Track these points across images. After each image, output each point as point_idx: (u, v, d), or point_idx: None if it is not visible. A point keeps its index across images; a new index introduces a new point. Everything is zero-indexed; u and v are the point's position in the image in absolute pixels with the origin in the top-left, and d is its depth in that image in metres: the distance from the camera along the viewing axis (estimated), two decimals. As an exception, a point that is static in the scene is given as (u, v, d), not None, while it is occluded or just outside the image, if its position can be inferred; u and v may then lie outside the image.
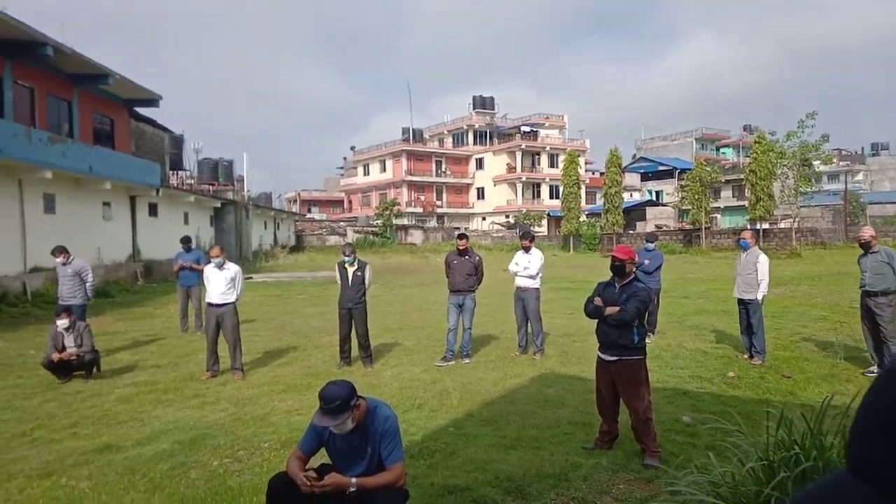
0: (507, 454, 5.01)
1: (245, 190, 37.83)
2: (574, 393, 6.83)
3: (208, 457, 5.08)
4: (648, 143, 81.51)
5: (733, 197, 54.78)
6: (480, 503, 4.14)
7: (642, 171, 69.41)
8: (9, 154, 14.55)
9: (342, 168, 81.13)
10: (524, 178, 61.74)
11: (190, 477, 4.68)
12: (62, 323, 7.86)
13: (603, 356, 5.12)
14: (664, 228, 43.62)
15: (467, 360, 8.60)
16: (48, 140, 16.16)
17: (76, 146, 17.87)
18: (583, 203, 46.16)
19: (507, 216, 58.93)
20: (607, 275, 5.40)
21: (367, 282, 8.52)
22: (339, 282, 8.53)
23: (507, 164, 62.98)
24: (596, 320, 5.16)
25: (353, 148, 73.07)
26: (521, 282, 8.98)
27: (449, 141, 68.56)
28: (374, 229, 47.54)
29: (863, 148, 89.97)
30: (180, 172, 32.00)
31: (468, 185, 65.99)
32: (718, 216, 53.13)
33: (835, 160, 57.54)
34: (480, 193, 65.36)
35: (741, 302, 8.40)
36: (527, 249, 9.02)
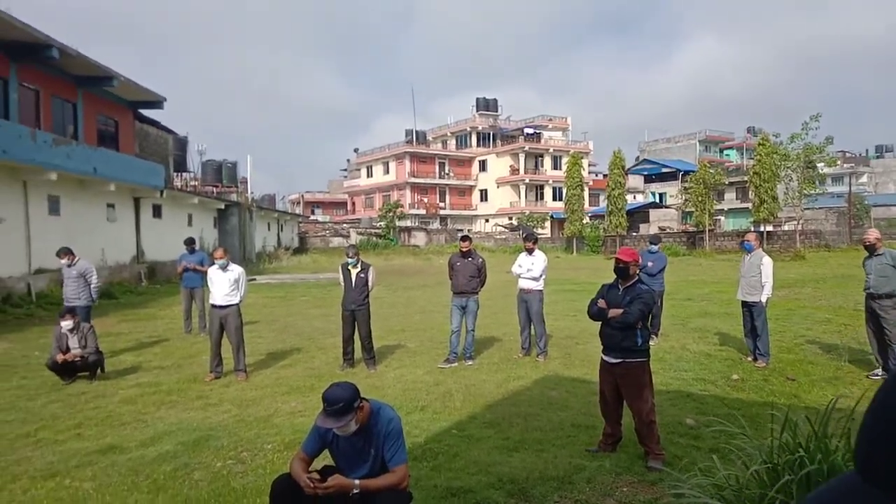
0: (511, 456, 5.00)
1: (249, 192, 37.91)
2: (577, 395, 6.82)
3: (212, 458, 5.09)
4: (652, 146, 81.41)
5: (737, 199, 54.67)
6: (483, 505, 4.13)
7: (646, 173, 69.36)
8: (14, 155, 14.61)
9: (346, 170, 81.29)
10: (527, 180, 61.72)
11: (193, 478, 4.68)
12: (66, 324, 7.87)
13: (606, 358, 5.11)
14: (667, 230, 43.56)
15: (470, 363, 8.60)
16: (53, 142, 16.22)
17: (81, 148, 17.93)
18: (586, 205, 46.09)
19: (511, 218, 58.90)
20: (610, 277, 5.39)
21: (370, 284, 8.53)
22: (343, 283, 8.53)
23: (511, 166, 62.97)
24: (599, 322, 5.16)
25: (356, 150, 73.26)
26: (524, 284, 8.97)
27: (452, 143, 68.59)
28: (377, 231, 47.59)
29: (867, 150, 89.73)
30: (184, 174, 32.09)
31: (471, 187, 65.99)
32: (722, 218, 53.04)
33: (839, 162, 57.32)
34: (483, 195, 65.37)
35: (745, 304, 8.38)
36: (530, 251, 9.01)
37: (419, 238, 48.15)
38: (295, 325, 12.66)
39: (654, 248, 10.25)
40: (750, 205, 36.86)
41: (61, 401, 6.99)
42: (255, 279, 21.96)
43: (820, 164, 34.66)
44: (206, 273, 9.06)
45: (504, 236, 50.43)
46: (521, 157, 62.14)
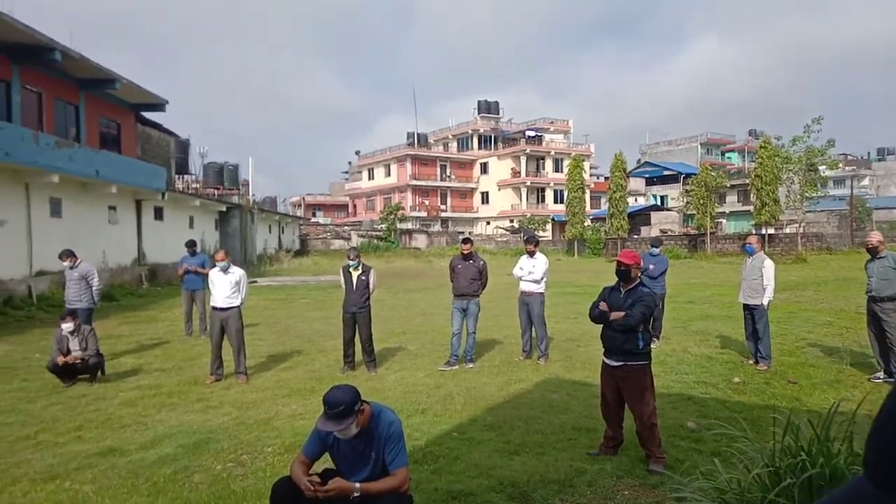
0: (512, 459, 4.99)
1: (250, 194, 37.96)
2: (578, 398, 6.81)
3: (212, 461, 5.08)
4: (653, 148, 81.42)
5: (738, 202, 54.66)
6: (484, 509, 4.12)
7: (647, 175, 69.36)
8: (16, 158, 14.64)
9: (347, 172, 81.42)
10: (528, 183, 61.75)
11: (193, 481, 4.67)
12: (67, 326, 7.88)
13: (608, 361, 5.10)
14: (669, 233, 43.51)
15: (471, 365, 8.58)
16: (55, 144, 16.26)
17: (83, 150, 17.96)
18: (587, 208, 46.07)
19: (512, 221, 58.95)
20: (612, 279, 5.39)
21: (371, 286, 8.52)
22: (344, 286, 8.53)
23: (512, 169, 63.02)
24: (601, 325, 5.15)
25: (358, 152, 73.41)
26: (525, 286, 8.96)
27: (454, 145, 68.68)
28: (378, 233, 47.63)
29: (869, 153, 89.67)
30: (186, 176, 32.16)
31: (472, 190, 66.04)
32: (723, 221, 53.01)
33: (840, 165, 57.27)
34: (485, 198, 65.41)
35: (746, 307, 8.37)
36: (531, 254, 9.01)
37: (420, 240, 48.17)
38: (296, 327, 12.65)
39: (656, 250, 10.24)
40: (751, 207, 36.80)
41: (62, 403, 6.99)
42: (256, 281, 21.97)
43: (822, 167, 34.63)
44: (207, 275, 9.06)
45: (505, 239, 50.43)
46: (523, 160, 62.19)
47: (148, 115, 25.80)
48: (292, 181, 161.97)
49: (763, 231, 34.64)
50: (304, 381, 7.83)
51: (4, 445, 5.58)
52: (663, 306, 10.29)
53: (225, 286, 8.01)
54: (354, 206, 71.46)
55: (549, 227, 55.79)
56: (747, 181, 40.51)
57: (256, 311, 14.78)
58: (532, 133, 65.70)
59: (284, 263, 34.78)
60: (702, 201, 37.13)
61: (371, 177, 68.09)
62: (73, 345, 7.86)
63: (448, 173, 64.65)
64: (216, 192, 34.03)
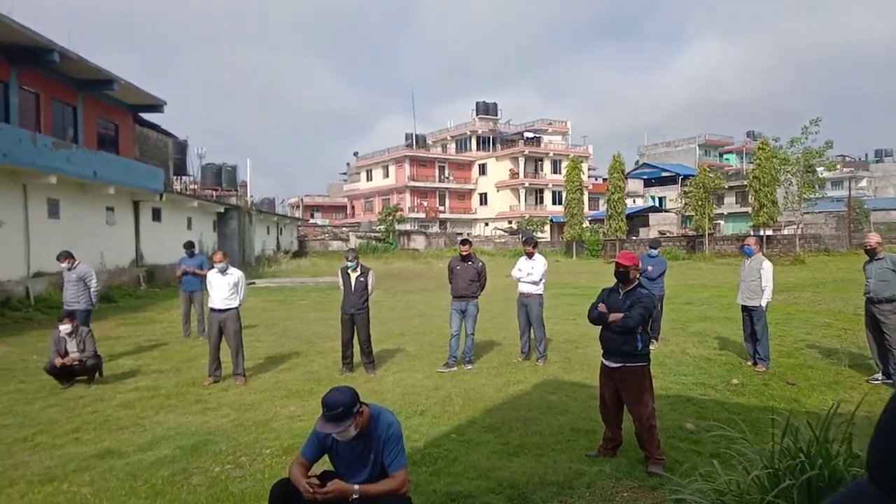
0: (510, 461, 4.99)
1: (248, 195, 37.92)
2: (577, 399, 6.81)
3: (210, 463, 5.07)
4: (651, 150, 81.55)
5: (737, 203, 54.75)
6: (483, 511, 4.11)
7: (645, 177, 69.46)
8: (14, 159, 14.61)
9: (345, 173, 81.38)
10: (527, 184, 61.79)
11: (191, 483, 4.66)
12: (64, 328, 7.86)
13: (607, 363, 5.10)
14: (667, 234, 43.57)
15: (470, 367, 8.58)
16: (53, 145, 16.23)
17: (81, 151, 17.94)
18: (586, 209, 46.12)
19: (510, 222, 58.97)
20: (610, 280, 5.39)
21: (369, 287, 8.52)
22: (342, 287, 8.52)
23: (510, 170, 63.07)
24: (599, 326, 5.15)
25: (356, 153, 73.41)
26: (524, 288, 8.96)
27: (452, 147, 68.70)
28: (376, 235, 47.59)
29: (867, 154, 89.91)
30: (184, 178, 32.10)
31: (471, 191, 66.06)
32: (722, 222, 53.07)
33: (838, 166, 57.38)
34: (483, 199, 65.44)
35: (745, 308, 8.38)
36: (530, 255, 9.01)
37: (419, 242, 48.15)
38: (294, 328, 12.64)
39: (654, 252, 10.25)
40: (749, 209, 36.88)
41: (59, 405, 6.97)
42: (254, 283, 21.95)
43: (819, 169, 34.69)
44: (205, 277, 9.05)
45: (503, 240, 50.45)
46: (521, 161, 62.23)
47: (146, 115, 25.77)
48: (290, 182, 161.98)
49: (761, 232, 34.70)
50: (302, 383, 7.82)
51: (2, 447, 5.56)
52: (662, 308, 10.29)
53: (223, 287, 8.00)
54: (353, 207, 71.45)
55: (547, 228, 55.83)
56: (745, 183, 40.61)
57: (255, 312, 14.76)
58: (530, 134, 65.77)
59: (283, 265, 34.75)
60: (700, 203, 37.18)
61: (369, 178, 68.09)
62: (71, 346, 7.85)
63: (446, 174, 64.67)
64: (214, 193, 33.99)
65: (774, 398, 6.77)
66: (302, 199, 72.99)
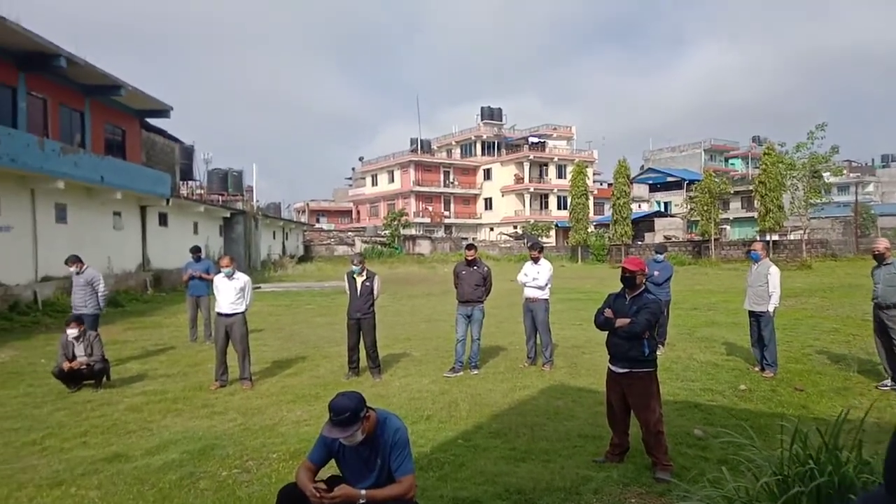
0: (517, 467, 4.97)
1: (254, 200, 38.06)
2: (584, 405, 6.79)
3: (217, 467, 5.07)
4: (657, 154, 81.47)
5: (742, 208, 54.56)
6: (490, 516, 4.10)
7: (651, 182, 69.39)
8: (22, 164, 14.71)
9: (350, 178, 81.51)
10: (532, 189, 61.78)
11: (199, 487, 4.67)
12: (72, 332, 7.89)
13: (613, 368, 5.09)
14: (673, 239, 43.47)
15: (476, 372, 8.57)
16: (61, 150, 16.33)
17: (88, 156, 18.05)
18: (591, 214, 46.10)
19: (515, 227, 58.94)
20: (616, 285, 5.38)
21: (375, 292, 8.52)
22: (348, 292, 8.53)
23: (515, 175, 63.07)
24: (606, 332, 5.14)
25: (361, 158, 73.53)
26: (529, 292, 8.95)
27: (457, 152, 68.79)
28: (382, 239, 47.67)
29: (873, 159, 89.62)
30: (190, 182, 32.27)
31: (476, 196, 66.11)
32: (727, 227, 52.91)
33: (845, 172, 57.25)
34: (488, 204, 65.46)
35: (752, 314, 8.34)
36: (535, 260, 9.00)
37: (424, 246, 48.19)
38: (300, 333, 12.66)
39: (660, 257, 10.23)
40: (755, 214, 36.78)
41: (67, 409, 6.99)
42: (260, 287, 22.00)
43: (826, 174, 34.60)
44: (211, 281, 9.08)
45: (509, 245, 50.44)
46: (526, 166, 62.25)
47: (153, 121, 25.93)
48: (296, 187, 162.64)
49: (767, 237, 34.58)
50: (308, 387, 7.82)
51: (10, 451, 5.58)
52: (668, 313, 10.27)
53: (230, 292, 8.02)
54: (358, 212, 71.58)
55: (552, 233, 55.80)
56: (751, 188, 40.47)
57: (261, 316, 14.79)
58: (535, 139, 65.79)
59: (288, 269, 34.82)
60: (705, 207, 37.11)
61: (375, 183, 68.22)
62: (79, 350, 7.88)
63: (451, 179, 64.73)
64: (220, 198, 34.12)
65: (783, 404, 6.73)
66: (308, 204, 73.17)
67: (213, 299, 8.53)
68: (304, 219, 65.20)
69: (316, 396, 7.27)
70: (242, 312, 8.08)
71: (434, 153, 67.98)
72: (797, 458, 3.40)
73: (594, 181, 63.72)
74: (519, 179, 62.50)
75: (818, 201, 33.80)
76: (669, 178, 68.26)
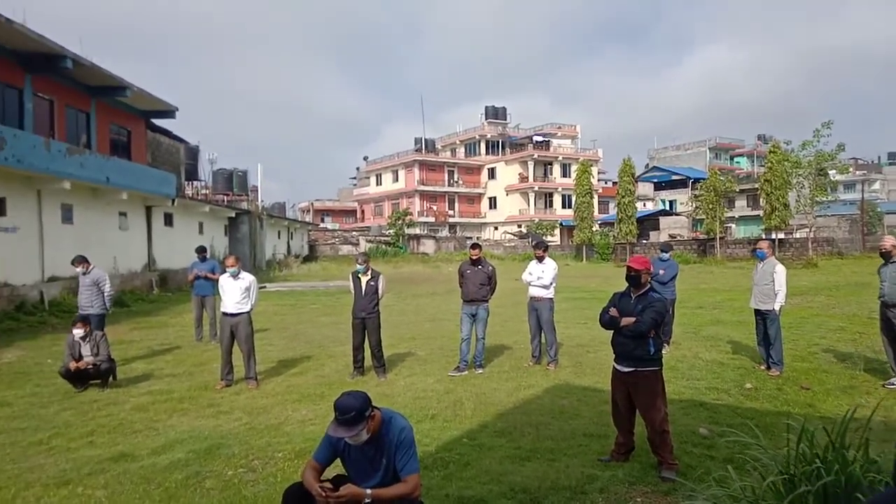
0: (522, 466, 4.97)
1: (259, 200, 38.11)
2: (589, 404, 6.78)
3: (223, 466, 5.09)
4: (661, 153, 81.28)
5: (748, 206, 54.39)
6: (495, 515, 4.10)
7: (655, 180, 69.22)
8: (28, 165, 14.78)
9: (355, 178, 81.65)
10: (536, 188, 61.73)
11: (205, 486, 4.69)
12: (78, 332, 7.92)
13: (618, 367, 5.08)
14: (678, 238, 43.36)
15: (481, 371, 8.57)
16: (67, 151, 16.40)
17: (94, 157, 18.11)
18: (596, 213, 46.08)
19: (520, 226, 58.92)
20: (621, 284, 5.37)
21: (380, 291, 8.53)
22: (353, 291, 8.55)
23: (520, 174, 63.03)
24: (611, 331, 5.13)
25: (365, 158, 73.65)
26: (534, 291, 8.95)
27: (461, 151, 68.80)
28: (386, 239, 47.71)
29: (879, 157, 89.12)
30: (195, 183, 32.35)
31: (480, 195, 66.09)
32: (733, 226, 52.77)
33: (851, 169, 56.94)
34: (492, 203, 65.44)
35: (758, 312, 8.32)
36: (540, 259, 8.99)
37: (428, 246, 48.21)
38: (305, 332, 12.68)
39: (666, 255, 10.20)
40: (761, 212, 36.66)
41: (74, 408, 7.03)
42: (265, 287, 22.05)
43: (832, 172, 34.46)
44: (217, 281, 9.10)
45: (513, 244, 50.42)
46: (530, 165, 62.19)
47: (158, 121, 25.99)
48: (301, 187, 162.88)
49: (773, 236, 34.46)
50: (314, 387, 7.84)
51: (17, 450, 5.61)
52: (673, 312, 10.24)
53: (235, 292, 8.04)
54: (363, 211, 71.67)
55: (557, 232, 55.73)
56: (757, 186, 40.35)
57: (266, 316, 14.83)
58: (540, 138, 65.75)
59: (293, 269, 34.91)
60: (711, 206, 37.00)
61: (379, 182, 68.28)
62: (85, 350, 7.91)
63: (456, 179, 64.74)
64: (225, 198, 34.19)
65: (789, 403, 6.71)
66: (312, 204, 73.28)
67: (219, 299, 8.56)
68: (308, 218, 65.31)
69: (321, 396, 7.29)
70: (248, 312, 8.10)
71: (438, 152, 68.00)
72: (803, 456, 3.38)
73: (599, 180, 63.69)
74: (523, 178, 62.46)
75: (824, 199, 33.67)
76: (674, 177, 68.09)
